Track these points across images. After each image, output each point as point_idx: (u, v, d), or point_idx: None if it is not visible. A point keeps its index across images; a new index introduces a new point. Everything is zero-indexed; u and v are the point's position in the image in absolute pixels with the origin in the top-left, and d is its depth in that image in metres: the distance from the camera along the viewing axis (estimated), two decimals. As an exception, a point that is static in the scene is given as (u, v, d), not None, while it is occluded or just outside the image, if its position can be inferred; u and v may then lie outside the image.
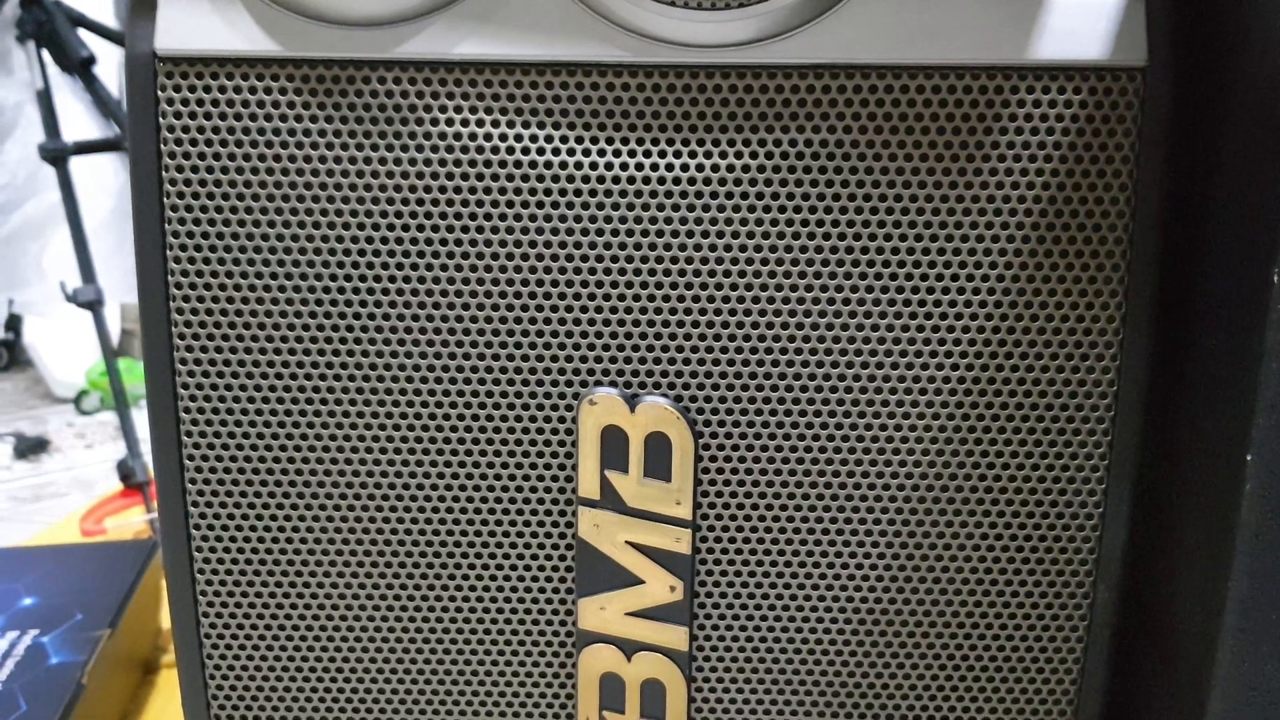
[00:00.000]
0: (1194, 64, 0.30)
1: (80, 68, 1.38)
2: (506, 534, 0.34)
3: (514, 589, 0.34)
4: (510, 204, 0.31)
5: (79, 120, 1.72)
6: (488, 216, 0.31)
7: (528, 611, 0.34)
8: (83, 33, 1.41)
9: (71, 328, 1.90)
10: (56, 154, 1.30)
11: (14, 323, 2.29)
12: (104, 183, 2.05)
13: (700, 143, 0.31)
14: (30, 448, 1.94)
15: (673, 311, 0.32)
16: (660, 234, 0.31)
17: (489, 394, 0.32)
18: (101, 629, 0.49)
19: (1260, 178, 0.27)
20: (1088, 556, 0.33)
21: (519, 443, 0.33)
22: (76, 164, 1.32)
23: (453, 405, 0.33)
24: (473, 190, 0.31)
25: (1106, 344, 0.32)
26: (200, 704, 0.36)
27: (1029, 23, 0.30)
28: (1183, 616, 0.31)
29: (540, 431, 0.33)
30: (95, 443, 1.99)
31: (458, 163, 0.31)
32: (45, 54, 1.40)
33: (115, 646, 0.50)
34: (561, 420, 0.33)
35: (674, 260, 0.31)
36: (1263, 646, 0.27)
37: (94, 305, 1.25)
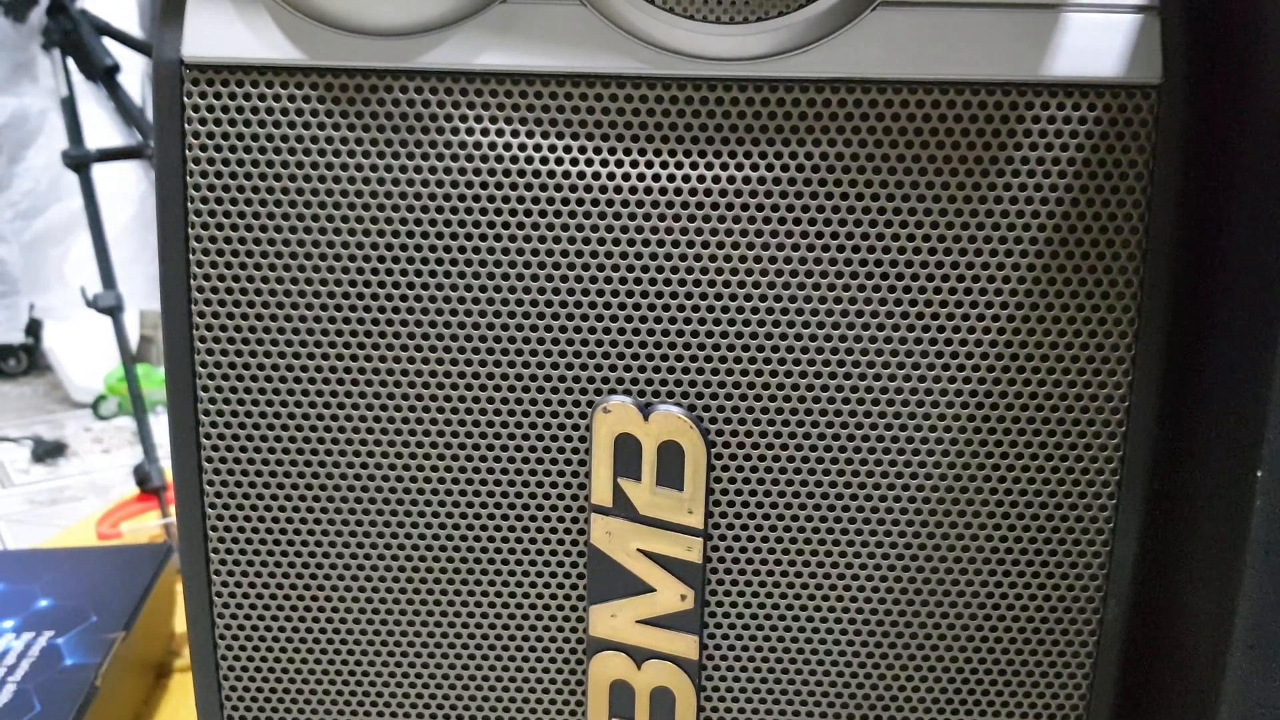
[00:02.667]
0: (1209, 82, 0.31)
1: (104, 76, 1.40)
2: (519, 540, 0.34)
3: (526, 595, 0.34)
4: (528, 213, 0.32)
5: (102, 128, 1.74)
6: (505, 225, 0.32)
7: (539, 618, 0.35)
8: (107, 41, 1.43)
9: (90, 333, 1.92)
10: (79, 161, 1.32)
11: (34, 327, 2.31)
12: (126, 190, 2.07)
13: (717, 155, 0.31)
14: (48, 452, 1.96)
15: (687, 321, 0.32)
16: (676, 244, 0.32)
17: (504, 400, 0.33)
18: (116, 631, 0.50)
19: (1273, 195, 0.27)
20: (1098, 571, 0.33)
21: (533, 449, 0.33)
22: (99, 171, 1.33)
23: (469, 411, 0.33)
24: (491, 199, 0.32)
25: (1119, 359, 0.32)
26: (214, 707, 0.36)
27: (1045, 39, 0.30)
28: (1192, 632, 0.31)
29: (554, 438, 0.33)
30: (112, 447, 2.00)
31: (477, 171, 0.31)
32: (70, 62, 1.42)
33: (129, 649, 0.50)
34: (575, 428, 0.33)
35: (689, 270, 0.32)
36: (1272, 663, 0.27)
37: (114, 311, 1.26)
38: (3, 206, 2.13)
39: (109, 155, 1.39)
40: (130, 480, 1.06)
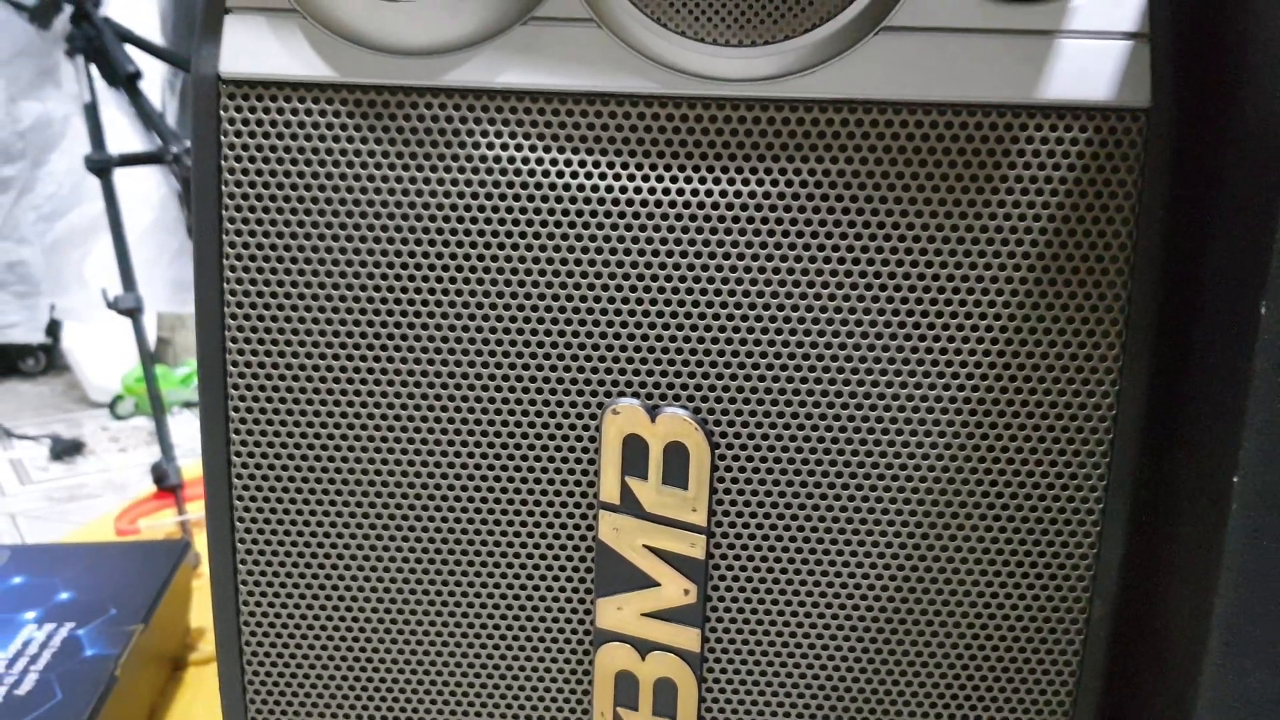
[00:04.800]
0: (1195, 105, 0.32)
1: (126, 83, 1.42)
2: (531, 535, 0.35)
3: (536, 588, 0.36)
4: (544, 224, 0.33)
5: (124, 133, 1.76)
6: (523, 235, 0.33)
7: (549, 609, 0.36)
8: (129, 49, 1.45)
9: (108, 334, 1.94)
10: (101, 165, 1.34)
11: (53, 328, 2.33)
12: (147, 195, 2.09)
13: (725, 170, 0.33)
14: (66, 450, 1.98)
15: (694, 328, 0.34)
16: (685, 255, 0.33)
17: (519, 401, 0.34)
18: (135, 624, 0.50)
19: (1252, 215, 0.28)
20: (1085, 572, 0.35)
21: (545, 448, 0.35)
22: (120, 176, 1.35)
23: (484, 412, 0.34)
24: (509, 210, 0.33)
25: (1107, 370, 0.33)
26: (237, 698, 0.38)
27: (1039, 64, 0.32)
28: (1173, 631, 0.32)
29: (566, 438, 0.35)
30: (129, 447, 2.02)
31: (497, 184, 0.33)
32: (93, 69, 1.44)
33: (147, 641, 0.51)
34: (586, 428, 0.34)
35: (697, 280, 0.33)
36: (1247, 660, 0.28)
37: (133, 312, 1.27)
38: (26, 209, 2.16)
39: (130, 160, 1.41)
40: (146, 479, 1.07)
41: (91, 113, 1.40)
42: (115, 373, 2.16)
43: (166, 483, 1.01)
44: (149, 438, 1.99)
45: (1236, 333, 0.28)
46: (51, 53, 1.99)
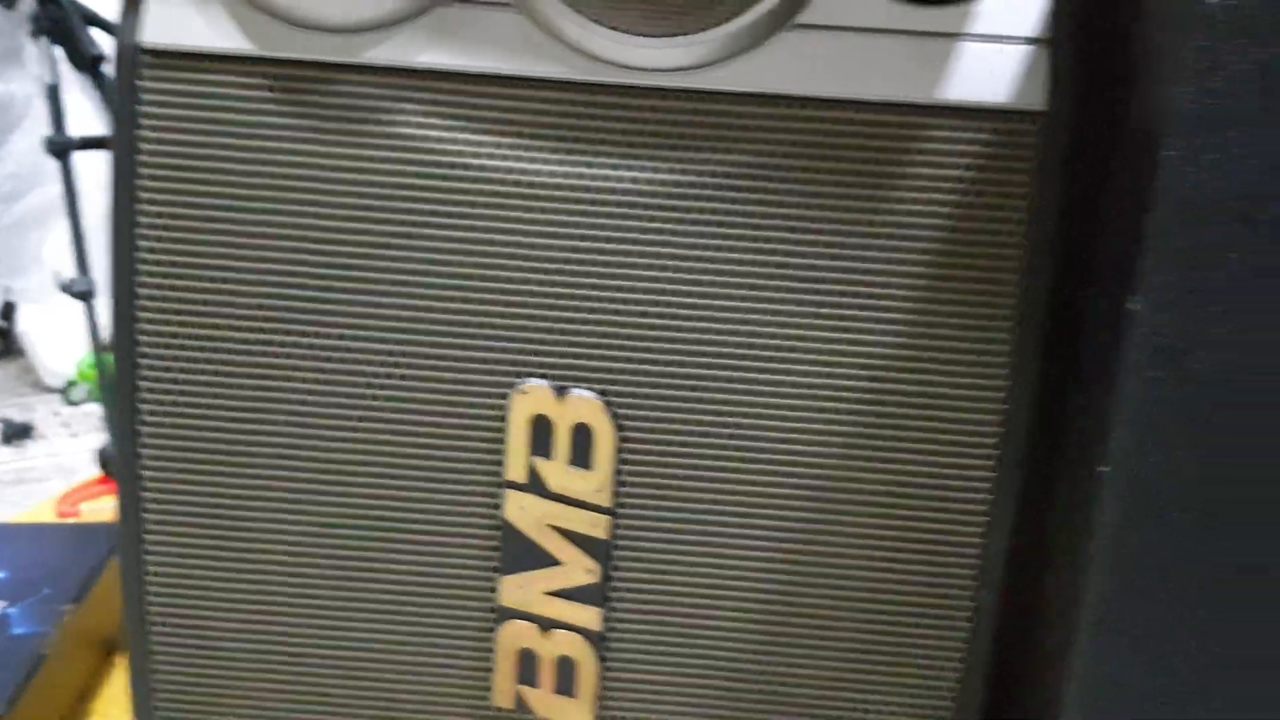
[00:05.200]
0: (1089, 109, 0.33)
1: (91, 65, 1.41)
2: (438, 512, 0.36)
3: (441, 564, 0.36)
4: (457, 204, 0.34)
5: (86, 116, 1.75)
6: (435, 214, 0.34)
7: (453, 586, 0.36)
8: (95, 32, 1.44)
9: (64, 319, 1.92)
10: (60, 147, 1.33)
11: (8, 311, 2.31)
12: (107, 179, 2.07)
13: (636, 158, 0.33)
14: (15, 433, 1.96)
15: (604, 312, 0.34)
16: (595, 239, 0.34)
17: (426, 379, 0.35)
18: (66, 604, 0.50)
19: (1127, 214, 0.29)
20: (973, 561, 0.35)
21: (454, 426, 0.35)
22: (81, 159, 1.34)
23: (394, 388, 0.35)
24: (423, 189, 0.34)
25: (999, 364, 0.34)
26: (143, 680, 0.38)
27: (941, 65, 0.33)
28: (1052, 617, 0.33)
29: (475, 417, 0.35)
30: (80, 432, 2.00)
31: (410, 162, 0.33)
32: (58, 50, 1.43)
33: (79, 622, 0.50)
34: (494, 407, 0.35)
35: (605, 264, 0.34)
36: (1115, 647, 0.29)
37: (86, 296, 1.27)
38: (-15, 190, 2.13)
39: (90, 143, 1.40)
40: (95, 464, 1.07)
41: (53, 95, 1.39)
42: (70, 357, 2.14)
43: (113, 467, 1.01)
44: (101, 423, 1.97)
45: (1111, 328, 0.29)
46: (15, 33, 1.96)
